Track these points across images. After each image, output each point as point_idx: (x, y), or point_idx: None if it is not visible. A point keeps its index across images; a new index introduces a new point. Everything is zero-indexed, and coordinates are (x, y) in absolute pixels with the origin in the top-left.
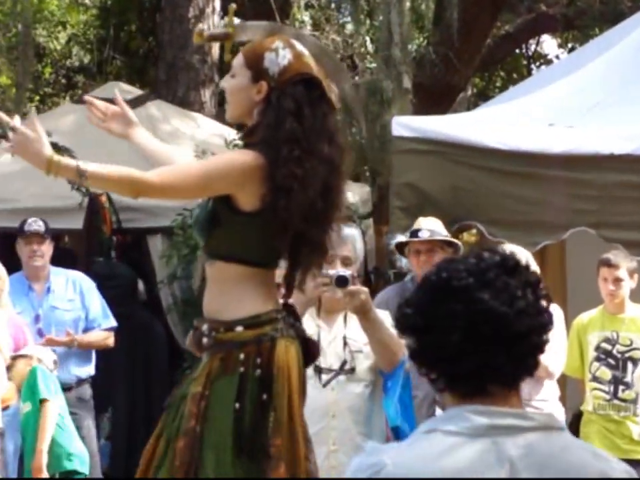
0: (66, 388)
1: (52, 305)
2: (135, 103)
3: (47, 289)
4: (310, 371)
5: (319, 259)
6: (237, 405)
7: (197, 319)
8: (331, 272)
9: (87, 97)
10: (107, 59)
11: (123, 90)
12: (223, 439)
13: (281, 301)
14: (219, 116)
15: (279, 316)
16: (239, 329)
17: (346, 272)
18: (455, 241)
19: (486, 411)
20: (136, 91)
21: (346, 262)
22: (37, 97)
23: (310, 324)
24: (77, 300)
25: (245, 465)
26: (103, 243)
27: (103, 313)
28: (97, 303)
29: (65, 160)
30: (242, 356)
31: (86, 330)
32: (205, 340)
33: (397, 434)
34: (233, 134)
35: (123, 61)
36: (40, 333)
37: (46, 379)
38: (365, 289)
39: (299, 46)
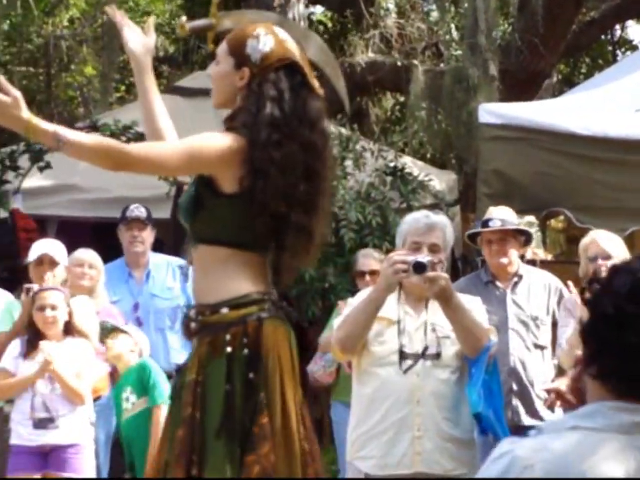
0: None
1: (151, 293)
2: None
3: (147, 276)
4: (394, 356)
5: (305, 243)
6: (228, 387)
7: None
8: (409, 258)
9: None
10: (193, 48)
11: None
12: (214, 423)
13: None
14: None
15: (265, 297)
16: (224, 310)
17: (424, 258)
18: (527, 229)
19: (628, 407)
20: None
21: (434, 249)
22: (123, 87)
23: (397, 309)
24: (176, 287)
25: (223, 447)
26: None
27: None
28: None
29: (44, 123)
30: (228, 337)
31: None
32: (192, 325)
33: (480, 420)
34: None
35: (209, 50)
36: (139, 322)
37: (162, 380)
38: (445, 275)
39: (282, 32)
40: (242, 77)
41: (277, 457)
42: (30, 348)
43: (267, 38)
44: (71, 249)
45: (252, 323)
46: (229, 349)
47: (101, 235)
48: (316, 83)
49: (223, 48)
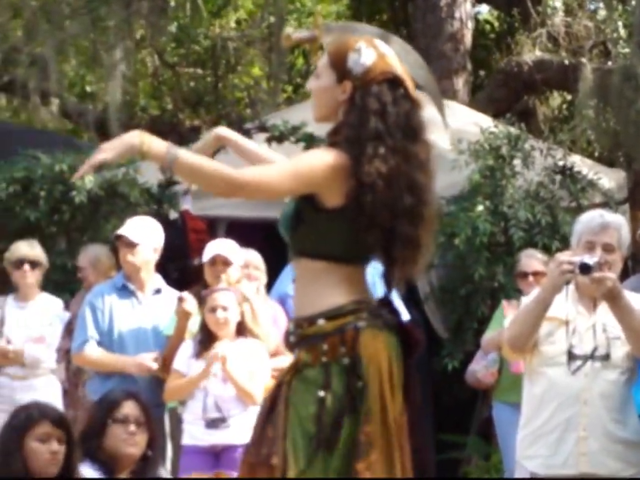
0: None
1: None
2: None
3: None
4: (563, 357)
5: (413, 254)
6: (322, 393)
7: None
8: (576, 259)
9: None
10: None
11: None
12: (303, 427)
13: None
14: (473, 104)
15: (361, 306)
16: (321, 321)
17: (591, 259)
18: None
19: None
20: None
21: (607, 248)
22: (290, 88)
23: (571, 309)
24: None
25: (324, 459)
26: None
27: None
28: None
29: (157, 141)
30: (325, 347)
31: None
32: (291, 338)
33: None
34: (488, 121)
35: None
36: None
37: None
38: (612, 276)
39: (383, 46)
40: (344, 90)
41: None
42: (202, 349)
43: (369, 51)
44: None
45: (349, 332)
46: (324, 359)
47: (270, 236)
48: (417, 96)
49: (323, 61)
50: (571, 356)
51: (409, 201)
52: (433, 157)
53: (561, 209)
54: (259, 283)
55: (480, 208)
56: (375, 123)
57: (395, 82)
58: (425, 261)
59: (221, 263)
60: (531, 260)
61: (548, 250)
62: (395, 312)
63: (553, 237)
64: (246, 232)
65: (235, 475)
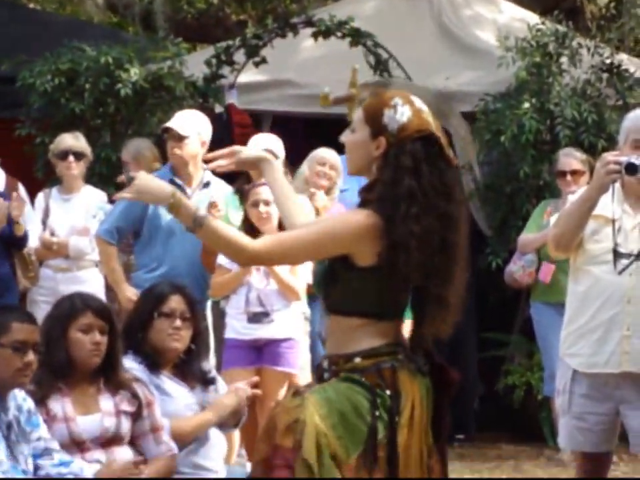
0: None
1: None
2: None
3: None
4: (609, 255)
5: (443, 313)
6: (371, 419)
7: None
8: (622, 158)
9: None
10: None
11: None
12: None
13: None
14: (520, 1)
15: (398, 349)
16: (357, 359)
17: (638, 159)
18: None
19: None
20: None
21: None
22: None
23: (616, 208)
24: None
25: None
26: None
27: None
28: None
29: (186, 202)
30: (363, 379)
31: None
32: (325, 375)
33: None
34: (535, 18)
35: None
36: None
37: None
38: None
39: (418, 102)
40: (378, 146)
41: None
42: None
43: (405, 108)
44: (284, 144)
45: (386, 370)
46: (368, 383)
47: (313, 131)
48: (451, 154)
49: (359, 116)
50: (616, 254)
51: (440, 260)
52: (465, 215)
53: (607, 107)
54: (333, 183)
55: (526, 105)
56: (409, 181)
57: (429, 139)
58: (454, 320)
59: None
60: (569, 159)
61: (594, 148)
62: (429, 354)
63: (599, 135)
64: (291, 127)
65: (277, 369)
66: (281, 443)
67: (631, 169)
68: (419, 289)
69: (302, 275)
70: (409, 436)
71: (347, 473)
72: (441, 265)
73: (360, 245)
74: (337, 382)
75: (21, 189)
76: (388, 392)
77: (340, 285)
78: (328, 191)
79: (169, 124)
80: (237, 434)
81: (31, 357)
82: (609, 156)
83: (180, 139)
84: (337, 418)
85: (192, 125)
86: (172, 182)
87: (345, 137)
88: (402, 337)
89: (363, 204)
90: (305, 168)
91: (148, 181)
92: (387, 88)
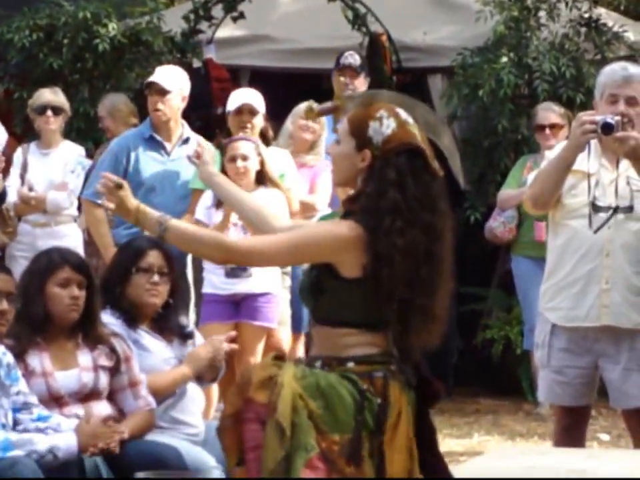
0: None
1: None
2: None
3: None
4: (586, 209)
5: (428, 325)
6: (359, 418)
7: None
8: (598, 118)
9: None
10: None
11: None
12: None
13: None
14: None
15: (391, 360)
16: (351, 364)
17: (613, 118)
18: None
19: None
20: None
21: (631, 102)
22: None
23: (594, 163)
24: None
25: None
26: (384, 83)
27: None
28: None
29: (148, 209)
30: (357, 379)
31: None
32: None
33: None
34: None
35: None
36: None
37: None
38: (635, 135)
39: (403, 114)
40: (363, 158)
41: None
42: None
43: (390, 121)
44: (263, 99)
45: (378, 379)
46: (363, 386)
47: (292, 86)
48: (436, 165)
49: (344, 128)
50: (594, 208)
51: (425, 272)
52: (449, 227)
53: (585, 61)
54: (317, 136)
55: (504, 60)
56: (393, 194)
57: (414, 152)
58: (440, 331)
59: (247, 111)
60: (548, 113)
61: (572, 102)
62: (417, 366)
63: (578, 90)
64: (269, 82)
65: (255, 324)
66: (253, 396)
67: (606, 128)
68: (403, 301)
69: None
70: (392, 444)
71: (327, 444)
72: (426, 277)
73: (343, 255)
74: (327, 372)
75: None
76: (378, 400)
77: (327, 296)
78: (312, 145)
79: (152, 78)
80: (215, 389)
81: (4, 305)
82: (585, 116)
83: (163, 93)
84: (317, 392)
85: (174, 80)
86: (152, 138)
87: (331, 149)
88: (392, 346)
89: (346, 214)
90: (288, 124)
91: (119, 196)
92: (372, 100)
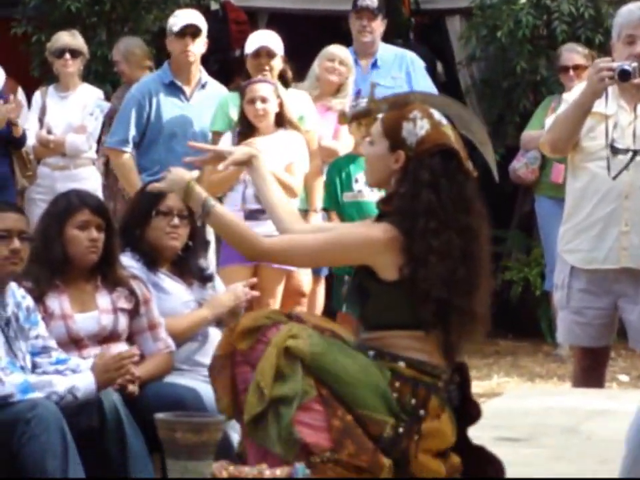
0: None
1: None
2: None
3: (372, 64)
4: (605, 151)
5: (470, 325)
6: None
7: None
8: (615, 65)
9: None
10: None
11: None
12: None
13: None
14: None
15: (441, 374)
16: (402, 364)
17: (630, 65)
18: None
19: None
20: None
21: None
22: None
23: (612, 104)
24: (400, 78)
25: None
26: (402, 25)
27: None
28: (423, 84)
29: (199, 189)
30: (398, 384)
31: None
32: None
33: None
34: None
35: None
36: None
37: None
38: None
39: (437, 115)
40: (397, 159)
41: None
42: (241, 140)
43: (423, 122)
44: (282, 42)
45: (422, 389)
46: (395, 395)
47: (310, 28)
48: (470, 166)
49: (377, 128)
50: (613, 150)
51: (462, 273)
52: (486, 226)
53: (604, 1)
54: (344, 78)
55: (523, 1)
56: (427, 196)
57: (448, 153)
58: (483, 330)
59: (265, 54)
60: (572, 54)
61: (591, 43)
62: (463, 383)
63: (596, 30)
64: (287, 24)
65: (274, 267)
66: (235, 343)
67: (623, 75)
68: (441, 302)
69: (298, 172)
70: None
71: (327, 392)
72: (463, 278)
73: (378, 258)
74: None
75: (20, 92)
76: (422, 412)
77: (372, 300)
78: (339, 88)
79: (188, 20)
80: None
81: (17, 244)
82: (602, 62)
83: (196, 35)
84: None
85: (203, 22)
86: (172, 84)
87: (364, 150)
88: (441, 356)
89: (380, 216)
90: (315, 66)
91: (175, 173)
92: (406, 101)
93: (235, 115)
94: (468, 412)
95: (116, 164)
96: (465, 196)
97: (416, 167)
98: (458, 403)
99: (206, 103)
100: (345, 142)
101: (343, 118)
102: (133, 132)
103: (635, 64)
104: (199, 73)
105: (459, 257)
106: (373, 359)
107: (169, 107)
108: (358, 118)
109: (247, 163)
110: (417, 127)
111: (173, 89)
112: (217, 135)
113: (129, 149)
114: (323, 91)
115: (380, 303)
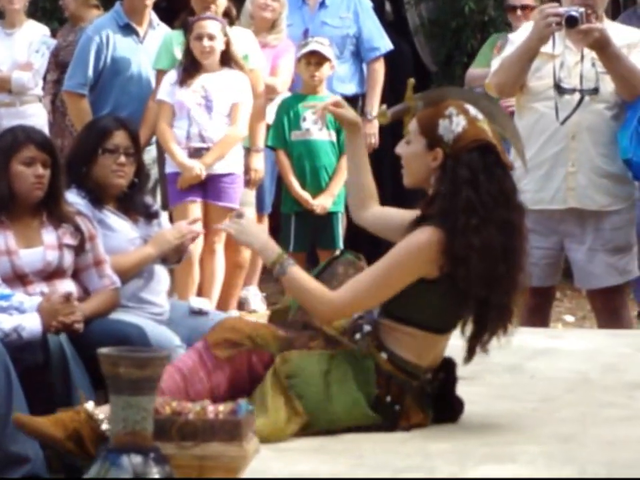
0: None
1: (322, 21)
2: None
3: (320, 4)
4: (551, 91)
5: (505, 322)
6: (377, 390)
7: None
8: (562, 10)
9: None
10: None
11: None
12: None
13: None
14: None
15: (421, 375)
16: (383, 355)
17: (577, 11)
18: None
19: None
20: None
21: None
22: None
23: (558, 44)
24: (348, 18)
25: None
26: None
27: (377, 35)
28: (370, 24)
29: (272, 243)
30: (378, 378)
31: None
32: (357, 335)
33: (630, 166)
34: None
35: None
36: None
37: None
38: (599, 26)
39: (473, 110)
40: (435, 157)
41: None
42: (186, 77)
43: (459, 118)
44: None
45: (395, 385)
46: (377, 391)
47: None
48: (508, 160)
49: (413, 127)
50: (560, 90)
51: (502, 270)
52: (524, 220)
53: None
54: (277, 14)
55: None
56: (467, 193)
57: (486, 148)
58: (513, 328)
59: None
60: None
61: None
62: (447, 379)
63: None
64: None
65: (219, 204)
66: (212, 349)
67: (570, 21)
68: (480, 300)
69: (243, 113)
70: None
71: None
72: (504, 275)
73: (425, 262)
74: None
75: None
76: (388, 398)
77: (403, 294)
78: (273, 24)
79: None
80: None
81: None
82: (548, 7)
83: None
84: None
85: None
86: (127, 26)
87: (401, 149)
88: (438, 356)
89: (423, 218)
90: (247, 4)
91: (251, 225)
92: (442, 97)
93: (178, 53)
94: (451, 407)
95: (74, 108)
96: (504, 190)
97: (454, 164)
98: (440, 397)
99: (158, 43)
100: (283, 78)
101: (383, 117)
102: (90, 74)
103: (582, 9)
104: (150, 13)
105: (500, 254)
106: (361, 338)
107: (125, 49)
108: (397, 115)
109: (354, 125)
110: (454, 124)
111: (128, 31)
112: (161, 73)
113: (87, 91)
114: (257, 27)
115: (408, 297)
